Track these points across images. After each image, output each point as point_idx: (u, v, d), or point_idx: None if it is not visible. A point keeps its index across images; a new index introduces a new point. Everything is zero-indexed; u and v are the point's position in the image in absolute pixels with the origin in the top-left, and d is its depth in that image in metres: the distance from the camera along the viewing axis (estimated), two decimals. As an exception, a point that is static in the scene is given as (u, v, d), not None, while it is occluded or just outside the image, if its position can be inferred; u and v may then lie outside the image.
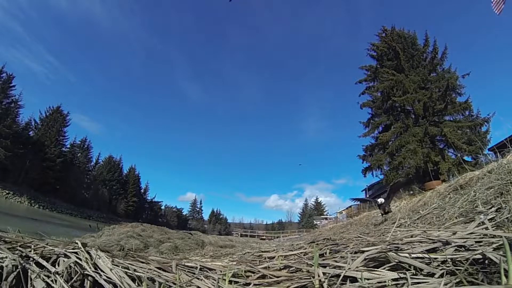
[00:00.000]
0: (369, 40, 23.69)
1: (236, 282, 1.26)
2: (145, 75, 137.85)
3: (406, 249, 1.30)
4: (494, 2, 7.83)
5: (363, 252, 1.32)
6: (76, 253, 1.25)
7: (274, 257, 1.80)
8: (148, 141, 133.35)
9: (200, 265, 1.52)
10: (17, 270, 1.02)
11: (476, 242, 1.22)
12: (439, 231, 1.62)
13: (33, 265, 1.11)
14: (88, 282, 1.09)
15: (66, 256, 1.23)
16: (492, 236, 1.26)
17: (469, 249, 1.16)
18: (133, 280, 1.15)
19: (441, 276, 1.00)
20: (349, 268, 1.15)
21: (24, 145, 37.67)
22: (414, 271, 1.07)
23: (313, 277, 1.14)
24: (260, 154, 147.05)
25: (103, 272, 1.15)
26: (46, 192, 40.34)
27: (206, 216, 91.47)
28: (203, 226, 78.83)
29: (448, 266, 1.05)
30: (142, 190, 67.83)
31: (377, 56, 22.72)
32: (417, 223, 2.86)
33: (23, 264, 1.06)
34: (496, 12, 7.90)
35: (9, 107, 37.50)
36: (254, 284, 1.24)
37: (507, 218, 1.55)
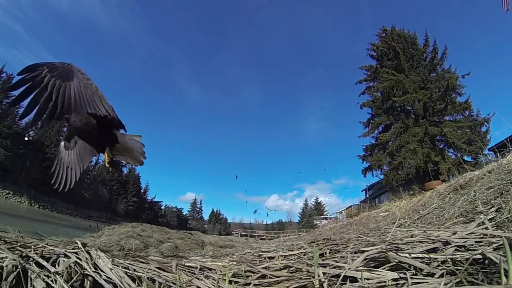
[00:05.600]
0: (369, 40, 23.76)
1: (236, 282, 1.26)
2: (145, 75, 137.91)
3: (406, 249, 1.30)
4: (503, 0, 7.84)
5: (363, 252, 1.32)
6: (76, 253, 1.25)
7: (274, 257, 1.80)
8: (147, 141, 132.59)
9: (200, 265, 1.51)
10: (17, 270, 1.02)
11: (476, 242, 1.22)
12: (439, 231, 1.62)
13: (33, 265, 1.11)
14: (88, 282, 1.10)
15: (66, 256, 1.22)
16: (492, 236, 1.26)
17: (469, 249, 1.16)
18: (133, 280, 1.15)
19: (441, 276, 1.00)
20: (349, 268, 1.15)
21: (24, 145, 37.68)
22: (414, 271, 1.07)
23: (313, 277, 1.14)
24: (260, 154, 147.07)
25: (103, 272, 1.15)
26: (46, 192, 40.29)
27: (206, 216, 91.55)
28: (203, 226, 78.79)
29: (448, 266, 1.05)
30: (142, 190, 67.83)
31: (377, 56, 22.74)
32: (417, 223, 2.86)
33: (23, 264, 1.06)
34: (504, 9, 7.90)
35: (9, 107, 37.51)
36: (254, 284, 1.24)
37: (507, 218, 1.55)
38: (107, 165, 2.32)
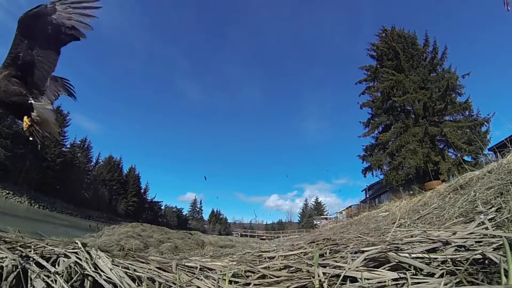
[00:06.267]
0: (369, 40, 23.77)
1: (236, 282, 1.26)
2: (145, 75, 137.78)
3: (406, 249, 1.30)
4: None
5: (363, 252, 1.32)
6: (76, 253, 1.25)
7: (274, 257, 1.80)
8: (148, 141, 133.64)
9: (200, 265, 1.52)
10: (17, 270, 1.02)
11: (476, 242, 1.22)
12: (439, 231, 1.62)
13: (33, 265, 1.11)
14: (88, 282, 1.09)
15: (66, 256, 1.23)
16: (492, 236, 1.26)
17: (469, 249, 1.16)
18: (133, 280, 1.15)
19: (441, 276, 1.00)
20: (349, 268, 1.15)
21: (24, 145, 37.64)
22: (414, 271, 1.07)
23: (313, 277, 1.14)
24: (260, 154, 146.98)
25: (103, 272, 1.15)
26: (46, 192, 40.32)
27: (206, 216, 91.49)
28: (203, 226, 78.76)
29: (448, 266, 1.05)
30: (142, 190, 67.79)
31: (377, 56, 22.73)
32: (417, 223, 2.86)
33: (23, 264, 1.06)
34: (506, 9, 7.90)
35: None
36: (254, 284, 1.24)
37: (507, 218, 1.55)
38: (27, 134, 2.40)
